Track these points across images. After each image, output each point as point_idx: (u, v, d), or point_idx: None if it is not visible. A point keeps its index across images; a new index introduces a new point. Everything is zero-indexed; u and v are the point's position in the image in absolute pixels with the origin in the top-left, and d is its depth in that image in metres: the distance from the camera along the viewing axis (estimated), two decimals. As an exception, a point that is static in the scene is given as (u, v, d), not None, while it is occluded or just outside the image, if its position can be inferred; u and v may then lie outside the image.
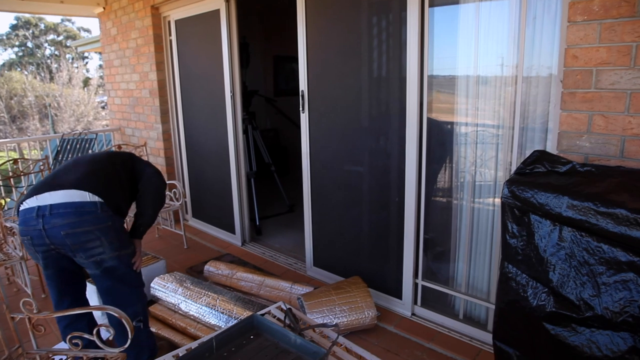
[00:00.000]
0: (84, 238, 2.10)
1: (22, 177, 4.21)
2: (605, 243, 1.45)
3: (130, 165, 2.51)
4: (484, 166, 2.63)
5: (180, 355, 1.45)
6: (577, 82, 2.02)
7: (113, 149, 4.87)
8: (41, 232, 2.09)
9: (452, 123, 2.72)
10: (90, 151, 5.10)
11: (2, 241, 3.44)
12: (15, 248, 3.26)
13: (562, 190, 1.58)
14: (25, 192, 4.09)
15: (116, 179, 2.35)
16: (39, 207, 2.10)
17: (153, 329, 2.74)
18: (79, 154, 5.25)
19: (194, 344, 1.54)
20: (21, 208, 2.18)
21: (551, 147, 2.22)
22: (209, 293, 2.89)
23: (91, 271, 2.23)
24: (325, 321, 2.66)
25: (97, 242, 2.13)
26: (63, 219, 2.07)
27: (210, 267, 3.52)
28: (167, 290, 3.01)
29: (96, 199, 2.13)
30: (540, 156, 1.90)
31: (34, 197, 2.15)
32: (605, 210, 1.44)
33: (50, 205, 2.09)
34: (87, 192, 2.13)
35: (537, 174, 1.83)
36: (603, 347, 1.45)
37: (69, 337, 1.97)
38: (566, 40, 2.02)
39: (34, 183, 5.01)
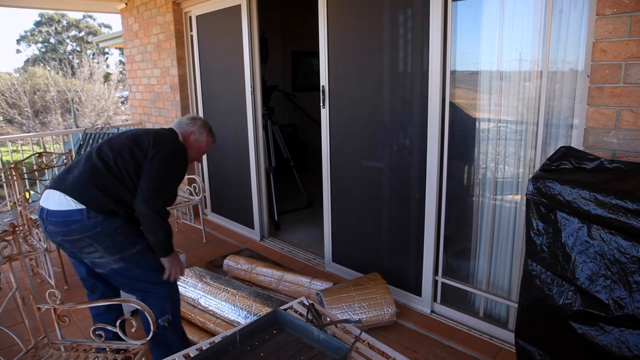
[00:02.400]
0: (78, 245, 2.10)
1: (46, 170, 4.28)
2: (637, 242, 1.41)
3: (139, 165, 2.18)
4: (506, 163, 2.60)
5: (204, 348, 1.46)
6: (605, 77, 1.97)
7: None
8: (46, 233, 2.16)
9: (474, 119, 2.68)
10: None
11: (27, 233, 3.51)
12: (40, 240, 3.32)
13: (590, 187, 1.55)
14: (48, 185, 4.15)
15: (117, 178, 2.14)
16: (42, 208, 2.13)
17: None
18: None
19: (217, 338, 1.55)
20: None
21: (576, 144, 2.18)
22: (228, 288, 2.90)
23: (99, 270, 2.22)
24: (344, 317, 2.66)
25: (90, 248, 2.10)
26: (55, 227, 2.08)
27: (229, 262, 3.54)
28: (186, 285, 3.04)
29: (81, 206, 2.05)
30: (566, 152, 1.87)
31: (46, 191, 2.17)
32: (636, 208, 1.40)
33: (47, 211, 2.10)
34: (73, 200, 2.06)
35: (563, 170, 1.79)
36: (633, 347, 1.41)
37: (92, 328, 2.01)
38: (594, 34, 1.98)
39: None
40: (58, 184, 2.14)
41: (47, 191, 2.16)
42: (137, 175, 2.16)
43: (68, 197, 2.07)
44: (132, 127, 5.77)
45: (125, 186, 2.14)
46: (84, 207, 2.05)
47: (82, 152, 5.27)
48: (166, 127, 2.49)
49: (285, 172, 5.31)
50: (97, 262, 2.16)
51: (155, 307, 2.16)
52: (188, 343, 2.38)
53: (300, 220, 4.90)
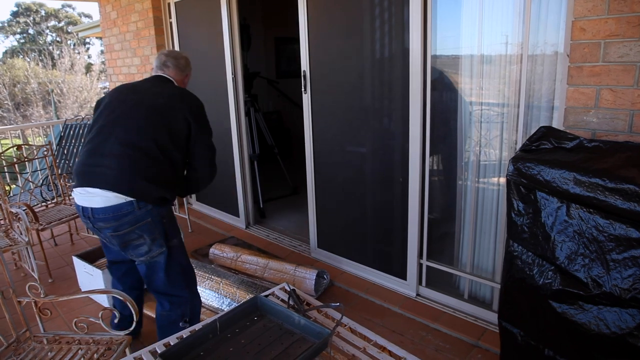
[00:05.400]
0: (128, 237, 2.09)
1: (27, 163, 4.21)
2: (615, 220, 1.42)
3: (183, 142, 2.19)
4: (488, 145, 2.60)
5: (184, 337, 1.45)
6: (584, 56, 1.97)
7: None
8: (94, 229, 2.16)
9: (456, 102, 2.67)
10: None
11: (8, 227, 3.46)
12: (21, 234, 3.27)
13: (569, 167, 1.55)
14: (29, 178, 4.08)
15: (160, 164, 2.11)
16: (83, 208, 2.09)
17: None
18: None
19: (197, 326, 1.54)
20: (72, 194, 2.20)
21: (557, 125, 2.18)
22: (213, 277, 2.89)
23: (139, 266, 2.23)
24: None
25: (140, 240, 2.11)
26: (106, 223, 2.06)
27: (215, 250, 3.53)
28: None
29: (129, 198, 2.02)
30: (546, 132, 1.87)
31: (79, 189, 2.08)
32: (613, 186, 1.40)
33: (92, 209, 2.05)
34: (122, 194, 2.01)
35: (543, 150, 1.79)
36: (611, 324, 1.43)
37: (74, 320, 1.99)
38: (573, 13, 1.97)
39: (38, 169, 5.01)
40: (90, 179, 2.05)
41: (80, 189, 2.07)
42: (178, 148, 2.17)
43: (116, 193, 2.01)
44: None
45: (174, 166, 2.17)
46: (132, 199, 2.02)
47: (64, 143, 5.19)
48: (150, 76, 2.43)
49: (270, 160, 5.28)
50: (142, 260, 2.17)
51: (178, 310, 2.24)
52: None
53: (285, 207, 4.89)
